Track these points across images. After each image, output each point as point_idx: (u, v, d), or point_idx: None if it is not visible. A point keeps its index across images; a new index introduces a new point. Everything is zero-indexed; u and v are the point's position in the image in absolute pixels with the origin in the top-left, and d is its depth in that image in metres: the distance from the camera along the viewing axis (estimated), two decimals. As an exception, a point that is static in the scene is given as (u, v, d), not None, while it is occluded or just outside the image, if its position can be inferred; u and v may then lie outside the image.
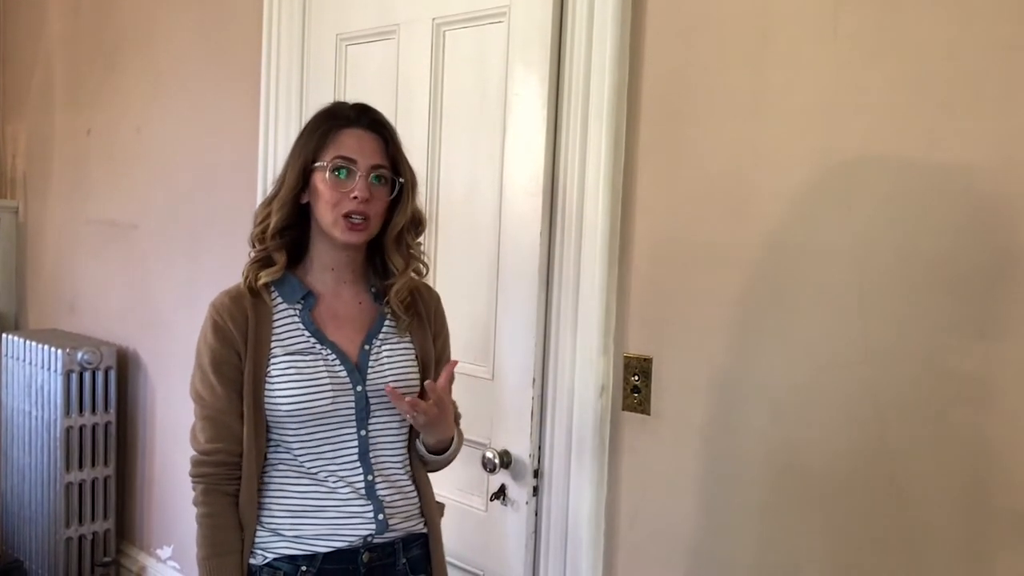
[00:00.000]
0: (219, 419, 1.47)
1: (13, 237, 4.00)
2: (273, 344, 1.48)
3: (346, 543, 1.48)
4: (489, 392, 2.03)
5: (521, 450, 1.96)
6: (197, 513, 1.48)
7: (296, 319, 1.51)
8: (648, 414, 1.78)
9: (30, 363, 3.31)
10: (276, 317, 1.50)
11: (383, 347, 1.54)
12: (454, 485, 2.08)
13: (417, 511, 1.57)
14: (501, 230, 1.99)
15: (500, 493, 2.00)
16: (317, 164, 1.47)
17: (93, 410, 3.22)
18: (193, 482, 1.49)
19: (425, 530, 1.59)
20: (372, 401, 1.51)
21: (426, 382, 1.49)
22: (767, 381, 1.60)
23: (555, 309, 1.90)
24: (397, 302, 1.55)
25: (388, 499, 1.52)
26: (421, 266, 1.60)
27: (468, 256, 2.08)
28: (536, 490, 1.95)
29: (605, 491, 1.85)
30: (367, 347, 1.53)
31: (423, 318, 1.61)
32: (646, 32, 1.76)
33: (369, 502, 1.50)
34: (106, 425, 3.26)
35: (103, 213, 3.45)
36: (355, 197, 1.45)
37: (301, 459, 1.49)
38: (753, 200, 1.61)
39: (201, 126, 2.95)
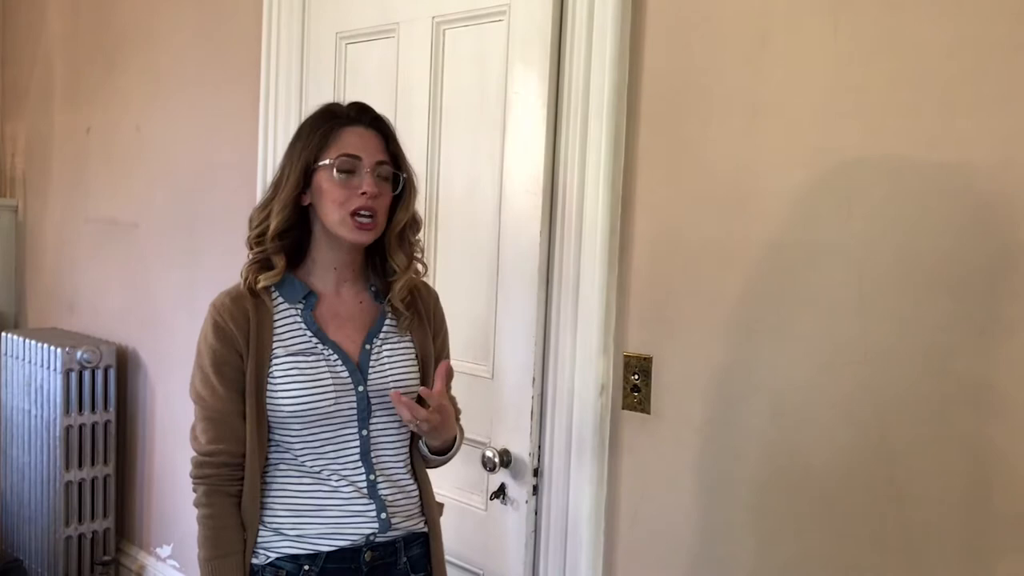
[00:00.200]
0: (221, 420, 1.47)
1: (12, 236, 4.00)
2: (275, 344, 1.48)
3: (349, 542, 1.48)
4: (489, 391, 2.03)
5: (521, 449, 1.96)
6: (199, 514, 1.48)
7: (298, 319, 1.51)
8: (648, 413, 1.78)
9: (30, 362, 3.30)
10: (277, 317, 1.50)
11: (384, 346, 1.54)
12: (454, 484, 2.08)
13: (418, 510, 1.57)
14: (501, 229, 1.99)
15: (500, 492, 2.00)
16: (322, 163, 1.47)
17: (93, 409, 3.22)
18: (194, 483, 1.49)
19: (425, 529, 1.59)
20: (373, 401, 1.51)
21: (421, 389, 1.49)
22: (767, 380, 1.60)
23: (555, 308, 1.90)
24: (399, 300, 1.55)
25: (390, 498, 1.52)
26: (420, 266, 1.60)
27: (468, 255, 2.08)
28: (536, 489, 1.95)
29: (605, 490, 1.85)
30: (368, 346, 1.53)
31: (423, 316, 1.61)
32: (646, 31, 1.76)
33: (371, 501, 1.50)
34: (105, 424, 3.26)
35: (103, 212, 3.45)
36: (364, 193, 1.45)
37: (303, 459, 1.49)
38: (753, 199, 1.61)
39: (201, 125, 2.94)
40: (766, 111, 1.59)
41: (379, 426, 1.52)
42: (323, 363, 1.48)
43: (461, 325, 2.01)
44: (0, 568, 3.34)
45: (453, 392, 1.69)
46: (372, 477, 1.51)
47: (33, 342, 3.29)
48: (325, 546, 1.48)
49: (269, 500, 1.50)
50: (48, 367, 3.20)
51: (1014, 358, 1.33)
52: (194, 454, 1.49)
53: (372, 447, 1.52)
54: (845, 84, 1.49)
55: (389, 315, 1.57)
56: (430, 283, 1.76)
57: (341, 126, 1.49)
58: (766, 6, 1.59)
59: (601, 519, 1.85)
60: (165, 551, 3.21)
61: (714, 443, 1.68)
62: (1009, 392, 1.34)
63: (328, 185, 1.46)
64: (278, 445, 1.50)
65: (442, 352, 1.66)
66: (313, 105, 1.59)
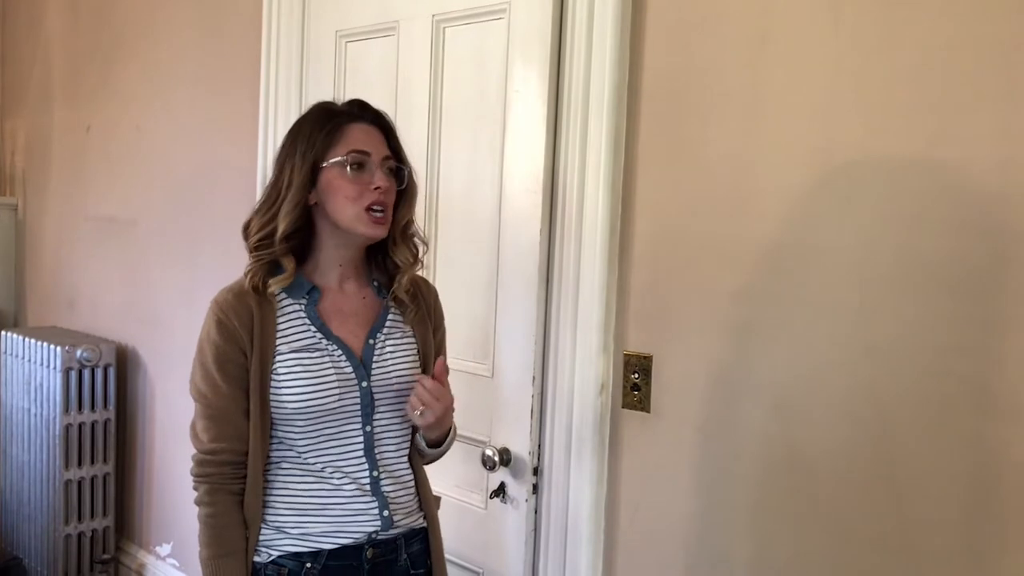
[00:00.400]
0: (223, 417, 1.46)
1: (12, 234, 4.00)
2: (279, 341, 1.47)
3: (351, 539, 1.49)
4: (489, 390, 2.03)
5: (521, 448, 1.96)
6: (201, 513, 1.48)
7: (301, 314, 1.50)
8: (648, 412, 1.78)
9: (29, 360, 3.30)
10: (281, 313, 1.49)
11: (387, 341, 1.55)
12: (454, 483, 2.08)
13: (416, 505, 1.58)
14: (501, 227, 1.99)
15: (500, 491, 2.00)
16: (333, 160, 1.46)
17: (92, 407, 3.22)
18: (196, 481, 1.48)
19: (425, 524, 1.59)
20: (377, 397, 1.52)
21: (420, 378, 1.50)
22: (767, 379, 1.60)
23: (555, 306, 1.90)
24: (403, 292, 1.56)
25: (392, 495, 1.52)
26: (422, 246, 1.61)
27: (468, 253, 2.07)
28: (536, 488, 1.95)
29: (605, 489, 1.85)
30: (371, 341, 1.53)
31: (423, 312, 1.61)
32: (646, 29, 1.76)
33: (374, 498, 1.50)
34: (105, 422, 3.26)
35: (102, 210, 3.45)
36: (376, 188, 1.46)
37: (306, 456, 1.49)
38: (753, 198, 1.61)
39: (201, 123, 2.94)
40: (766, 110, 1.59)
41: (382, 422, 1.53)
42: (327, 359, 1.48)
43: (461, 324, 2.01)
44: (0, 566, 3.34)
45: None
46: (376, 473, 1.51)
47: (33, 340, 3.29)
48: (328, 544, 1.48)
49: (271, 498, 1.50)
50: (48, 365, 3.20)
51: (1014, 357, 1.33)
52: (195, 452, 1.49)
53: (376, 443, 1.52)
54: (845, 83, 1.49)
55: (392, 310, 1.58)
56: (431, 281, 1.76)
57: (346, 123, 1.49)
58: (766, 5, 1.58)
59: (601, 517, 1.85)
60: (165, 549, 3.21)
61: (714, 441, 1.68)
62: (1009, 391, 1.34)
63: (340, 182, 1.46)
64: (281, 442, 1.50)
65: (440, 347, 1.67)
66: (313, 103, 1.58)
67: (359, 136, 1.48)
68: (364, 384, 1.50)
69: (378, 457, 1.52)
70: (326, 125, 1.48)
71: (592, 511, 1.85)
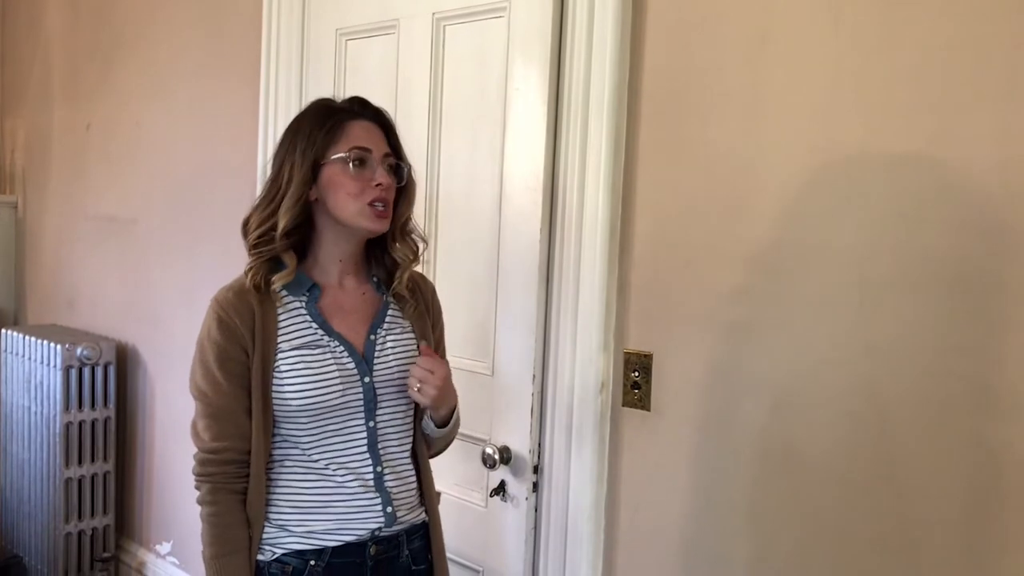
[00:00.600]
0: (225, 416, 1.46)
1: (12, 232, 4.00)
2: (280, 338, 1.47)
3: (355, 536, 1.49)
4: (489, 388, 2.03)
5: (521, 446, 1.96)
6: (204, 512, 1.47)
7: (303, 311, 1.50)
8: (648, 410, 1.78)
9: (29, 359, 3.30)
10: (282, 311, 1.49)
11: (388, 337, 1.55)
12: (454, 481, 2.08)
13: (418, 500, 1.58)
14: (501, 225, 1.99)
15: (500, 489, 2.00)
16: (335, 157, 1.46)
17: (92, 406, 3.22)
18: (198, 480, 1.48)
19: (426, 519, 1.59)
20: (379, 392, 1.52)
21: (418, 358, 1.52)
22: (767, 377, 1.60)
23: (555, 305, 1.90)
24: (403, 287, 1.56)
25: (395, 490, 1.53)
26: (422, 242, 1.61)
27: (468, 251, 2.07)
28: (536, 486, 1.95)
29: (605, 487, 1.85)
30: (372, 337, 1.54)
31: (422, 307, 1.62)
32: (647, 27, 1.76)
33: (378, 495, 1.50)
34: (105, 421, 3.26)
35: (102, 208, 3.45)
36: (379, 184, 1.46)
37: (310, 453, 1.49)
38: (753, 196, 1.61)
39: (201, 121, 2.94)
40: (766, 109, 1.58)
41: (385, 417, 1.53)
42: (329, 355, 1.48)
43: (461, 322, 2.01)
44: (0, 564, 3.34)
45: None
46: (379, 469, 1.51)
47: (33, 339, 3.29)
48: (331, 541, 1.48)
49: (274, 497, 1.50)
50: (48, 364, 3.20)
51: (1014, 356, 1.33)
52: (196, 451, 1.48)
53: (379, 438, 1.52)
54: (845, 83, 1.49)
55: (392, 305, 1.58)
56: (430, 279, 1.76)
57: (346, 120, 1.49)
58: (766, 5, 1.58)
59: (601, 516, 1.85)
60: (165, 548, 3.21)
61: (714, 440, 1.68)
62: (1009, 390, 1.34)
63: (342, 178, 1.46)
64: (284, 440, 1.50)
65: (440, 341, 1.67)
66: (311, 101, 1.59)
67: (360, 133, 1.49)
68: (367, 380, 1.50)
69: (381, 453, 1.52)
70: (327, 122, 1.48)
71: (592, 509, 1.85)
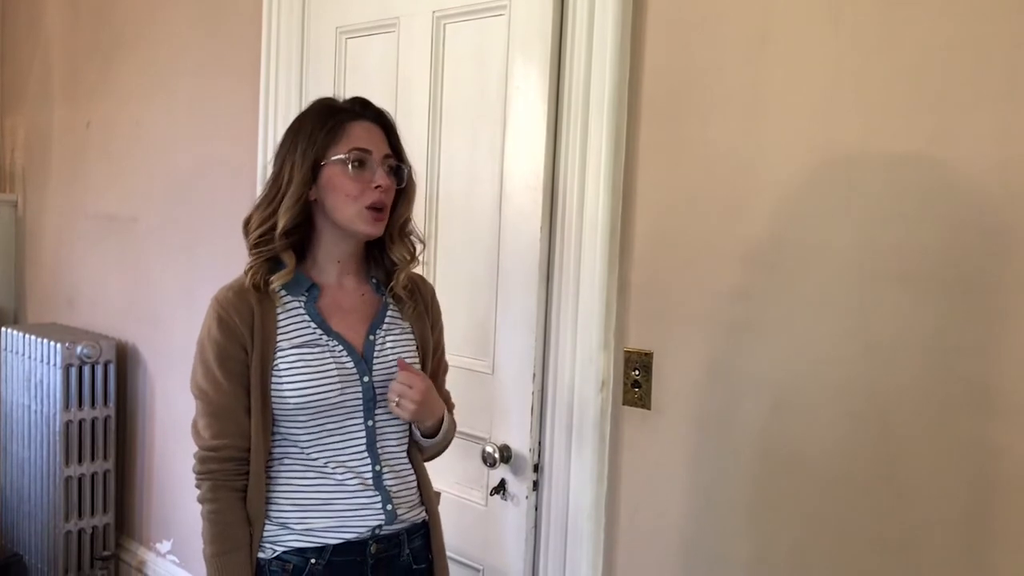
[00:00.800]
0: (225, 414, 1.47)
1: (12, 231, 4.00)
2: (279, 337, 1.48)
3: (355, 534, 1.49)
4: (489, 387, 2.03)
5: (521, 445, 1.96)
6: (204, 510, 1.48)
7: (301, 311, 1.51)
8: (648, 409, 1.78)
9: (29, 357, 3.30)
10: (281, 310, 1.50)
11: (387, 337, 1.55)
12: (454, 480, 2.08)
13: (418, 499, 1.58)
14: (501, 224, 1.99)
15: (500, 488, 2.00)
16: (334, 158, 1.46)
17: (92, 404, 3.22)
18: (198, 478, 1.48)
19: (426, 517, 1.60)
20: (378, 391, 1.52)
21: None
22: (767, 376, 1.60)
23: (555, 303, 1.90)
24: (401, 288, 1.56)
25: (394, 489, 1.53)
26: (419, 244, 1.61)
27: (468, 250, 2.07)
28: (536, 485, 1.95)
29: (605, 486, 1.85)
30: (371, 337, 1.54)
31: (421, 308, 1.62)
32: (647, 26, 1.76)
33: (377, 493, 1.51)
34: (105, 419, 3.26)
35: (102, 207, 3.44)
36: (378, 187, 1.46)
37: (309, 451, 1.49)
38: (753, 195, 1.61)
39: (200, 119, 2.94)
40: (766, 109, 1.58)
41: (384, 416, 1.53)
42: (328, 354, 1.48)
43: (461, 320, 2.01)
44: (1, 563, 3.34)
45: (448, 387, 1.71)
46: (378, 468, 1.51)
47: (33, 337, 3.29)
48: (332, 539, 1.48)
49: (274, 495, 1.50)
50: (48, 362, 3.20)
51: (1014, 355, 1.33)
52: (197, 449, 1.49)
53: (377, 437, 1.52)
54: (845, 82, 1.49)
55: (391, 306, 1.58)
56: (430, 278, 1.76)
57: (347, 120, 1.49)
58: (767, 5, 1.58)
59: (601, 514, 1.85)
60: (165, 546, 3.21)
61: (714, 439, 1.68)
62: (1009, 389, 1.34)
63: (341, 179, 1.46)
64: (284, 439, 1.50)
65: (439, 344, 1.67)
66: (313, 99, 1.58)
67: (361, 134, 1.48)
68: (366, 379, 1.51)
69: (380, 452, 1.52)
70: (328, 122, 1.48)
71: (592, 508, 1.85)
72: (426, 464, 1.65)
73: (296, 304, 1.51)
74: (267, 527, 1.49)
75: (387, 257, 1.57)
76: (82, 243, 3.57)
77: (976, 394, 1.37)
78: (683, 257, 1.71)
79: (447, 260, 2.12)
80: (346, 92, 2.17)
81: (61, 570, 3.21)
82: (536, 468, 1.95)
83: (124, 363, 3.35)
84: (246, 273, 1.50)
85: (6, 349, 3.47)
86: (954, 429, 1.39)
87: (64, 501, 3.18)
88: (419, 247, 1.60)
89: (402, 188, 1.53)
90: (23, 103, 3.95)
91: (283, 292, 1.51)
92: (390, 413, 1.53)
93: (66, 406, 3.15)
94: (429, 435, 1.58)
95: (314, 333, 1.49)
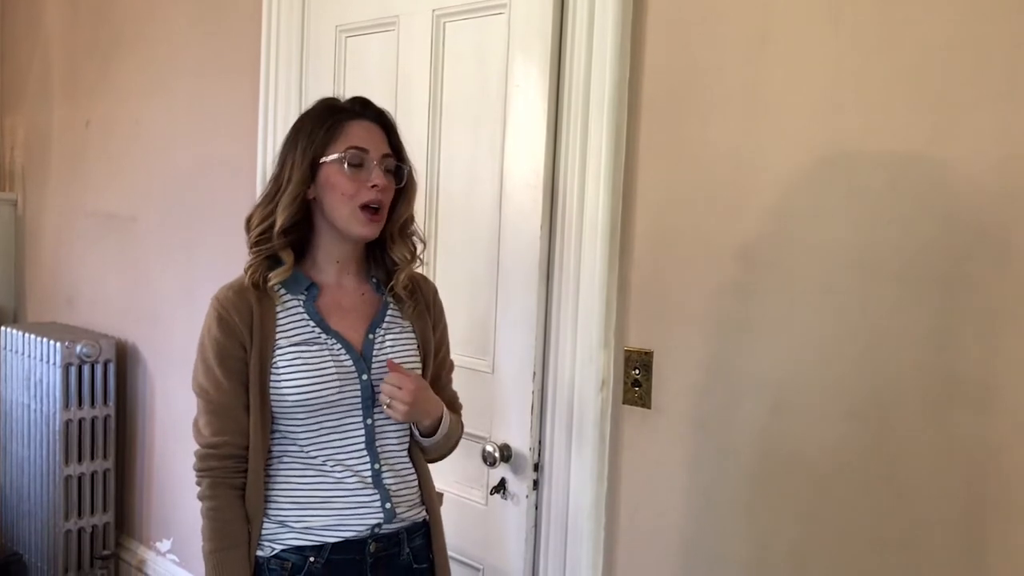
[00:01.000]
0: (225, 412, 1.47)
1: (12, 230, 4.00)
2: (278, 335, 1.48)
3: (354, 533, 1.49)
4: (489, 386, 2.02)
5: (521, 444, 1.96)
6: (203, 507, 1.48)
7: (301, 310, 1.51)
8: (648, 408, 1.77)
9: (29, 356, 3.30)
10: (280, 309, 1.50)
11: (387, 336, 1.55)
12: (454, 479, 2.08)
13: (418, 499, 1.58)
14: (501, 223, 1.99)
15: (500, 487, 2.00)
16: (331, 157, 1.47)
17: (92, 403, 3.22)
18: (198, 476, 1.49)
19: (426, 516, 1.59)
20: (377, 389, 1.52)
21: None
22: (767, 376, 1.59)
23: (555, 302, 1.89)
24: (401, 288, 1.56)
25: (393, 487, 1.52)
26: (420, 244, 1.61)
27: (468, 249, 2.07)
28: (536, 484, 1.95)
29: (605, 485, 1.84)
30: (371, 336, 1.54)
31: (421, 307, 1.61)
32: (647, 24, 1.76)
33: (376, 491, 1.50)
34: (105, 418, 3.26)
35: (102, 205, 3.44)
36: (374, 186, 1.46)
37: (308, 449, 1.49)
38: (753, 194, 1.61)
39: (200, 118, 2.94)
40: (766, 108, 1.58)
41: (383, 415, 1.53)
42: (327, 352, 1.48)
43: (461, 319, 2.01)
44: (1, 562, 3.34)
45: (455, 387, 1.70)
46: (377, 466, 1.51)
47: (32, 336, 3.28)
48: (331, 537, 1.48)
49: (273, 493, 1.50)
50: (47, 361, 3.19)
51: (1012, 354, 1.33)
52: (197, 447, 1.49)
53: (376, 436, 1.52)
54: (845, 82, 1.49)
55: (391, 305, 1.58)
56: (431, 277, 1.76)
57: (346, 119, 1.49)
58: (767, 4, 1.58)
59: (601, 514, 1.85)
60: (165, 545, 3.21)
61: (714, 438, 1.67)
62: (1010, 389, 1.33)
63: (337, 179, 1.47)
64: (284, 437, 1.50)
65: (442, 343, 1.66)
66: (313, 98, 1.59)
67: (359, 133, 1.49)
68: (364, 377, 1.50)
69: (379, 450, 1.52)
70: (327, 121, 1.49)
71: (592, 507, 1.84)
72: (429, 464, 1.64)
73: (295, 303, 1.51)
74: (266, 525, 1.49)
75: (388, 257, 1.57)
76: (82, 242, 3.57)
77: (975, 393, 1.36)
78: (683, 256, 1.71)
79: (447, 259, 2.12)
80: (346, 91, 2.17)
81: (61, 569, 3.21)
82: (536, 467, 1.95)
83: (124, 362, 3.34)
84: (246, 271, 1.50)
85: (6, 348, 3.46)
86: (953, 428, 1.39)
87: (64, 500, 3.18)
88: (420, 247, 1.60)
89: (402, 188, 1.53)
90: (23, 102, 3.94)
91: (283, 291, 1.52)
92: None
93: (66, 405, 3.15)
94: (427, 434, 1.57)
95: (313, 332, 1.50)
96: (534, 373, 1.92)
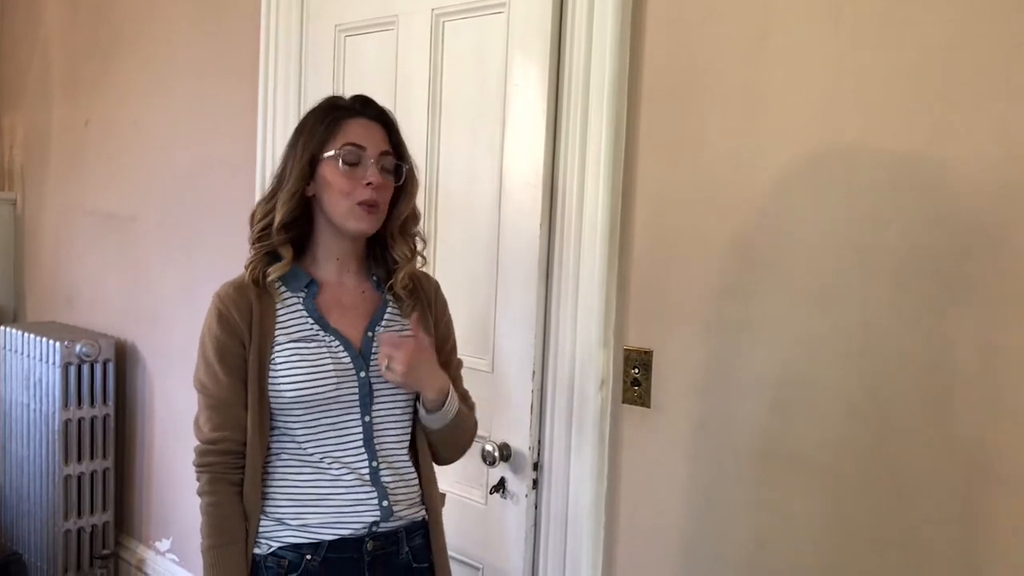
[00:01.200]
0: (224, 408, 1.48)
1: (11, 229, 3.99)
2: (277, 332, 1.49)
3: (351, 531, 1.49)
4: (489, 385, 2.02)
5: (521, 443, 1.96)
6: (201, 502, 1.49)
7: (300, 307, 1.52)
8: (648, 407, 1.77)
9: (28, 356, 3.30)
10: (280, 306, 1.51)
11: (386, 334, 1.54)
12: (454, 478, 2.07)
13: (418, 498, 1.57)
14: (501, 222, 1.99)
15: (500, 486, 2.00)
16: (327, 154, 1.48)
17: (92, 403, 3.22)
18: (197, 471, 1.49)
19: (426, 516, 1.59)
20: (375, 387, 1.52)
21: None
22: (767, 374, 1.59)
23: (555, 301, 1.89)
24: (400, 287, 1.56)
25: (391, 486, 1.52)
26: (420, 258, 1.61)
27: (467, 248, 2.07)
28: (536, 483, 1.95)
29: (605, 484, 1.84)
30: (370, 334, 1.54)
31: (422, 305, 1.61)
32: (646, 23, 1.75)
33: (373, 489, 1.50)
34: (104, 418, 3.26)
35: (101, 205, 3.44)
36: (369, 184, 1.47)
37: (306, 446, 1.49)
38: (753, 193, 1.61)
39: (199, 118, 2.94)
40: (766, 107, 1.58)
41: (381, 413, 1.53)
42: (324, 349, 1.49)
43: (460, 318, 2.00)
44: (0, 562, 3.34)
45: (466, 386, 1.69)
46: (375, 464, 1.51)
47: (32, 336, 3.28)
48: (327, 535, 1.48)
49: (271, 490, 1.50)
50: (47, 361, 3.19)
51: (1012, 353, 1.33)
52: (197, 443, 1.50)
53: (375, 434, 1.52)
54: (845, 80, 1.48)
55: (391, 303, 1.58)
56: (429, 274, 1.76)
57: (345, 117, 1.50)
58: (767, 3, 1.58)
59: (601, 513, 1.85)
60: (164, 545, 3.21)
61: (714, 437, 1.67)
62: (1010, 388, 1.33)
63: (333, 176, 1.48)
64: (283, 434, 1.51)
65: (446, 339, 1.65)
66: (312, 98, 1.60)
67: (357, 131, 1.49)
68: (362, 374, 1.51)
69: (377, 448, 1.52)
70: (327, 118, 1.50)
71: (592, 506, 1.84)
72: (439, 466, 1.63)
73: (295, 300, 1.52)
74: (263, 522, 1.50)
75: (389, 255, 1.57)
76: (81, 241, 3.57)
77: (975, 393, 1.36)
78: (683, 255, 1.71)
79: (446, 258, 2.11)
80: (345, 90, 2.17)
81: (61, 569, 3.21)
82: (536, 466, 1.95)
83: (123, 361, 3.34)
84: (246, 268, 1.52)
85: (5, 348, 3.46)
86: (953, 428, 1.38)
87: (63, 500, 3.18)
88: (420, 245, 1.60)
89: (402, 186, 1.53)
90: (22, 101, 3.94)
91: (283, 288, 1.52)
92: (389, 410, 1.53)
93: (65, 405, 3.15)
94: (432, 408, 1.52)
95: (312, 328, 1.50)
96: (533, 372, 1.92)
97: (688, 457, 1.72)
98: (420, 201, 1.63)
